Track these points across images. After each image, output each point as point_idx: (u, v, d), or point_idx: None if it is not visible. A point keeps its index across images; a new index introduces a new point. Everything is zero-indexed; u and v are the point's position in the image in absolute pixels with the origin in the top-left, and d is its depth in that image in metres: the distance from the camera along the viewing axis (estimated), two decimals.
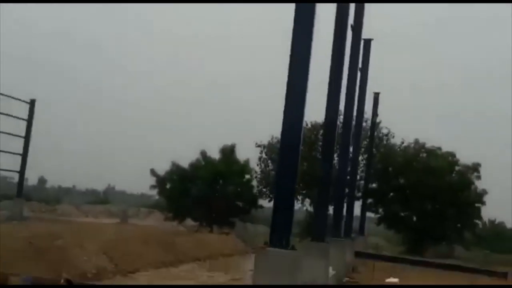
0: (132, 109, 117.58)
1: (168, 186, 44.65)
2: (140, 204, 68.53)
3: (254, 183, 45.38)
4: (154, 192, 46.97)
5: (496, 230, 65.80)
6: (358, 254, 26.91)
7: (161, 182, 44.48)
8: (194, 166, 44.29)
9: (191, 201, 43.30)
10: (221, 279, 16.58)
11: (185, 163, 44.74)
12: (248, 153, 46.02)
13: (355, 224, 35.79)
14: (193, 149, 47.16)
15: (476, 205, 43.09)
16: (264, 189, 44.43)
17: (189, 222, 46.30)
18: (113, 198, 78.73)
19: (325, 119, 18.32)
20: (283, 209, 10.64)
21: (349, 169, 25.86)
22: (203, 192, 42.64)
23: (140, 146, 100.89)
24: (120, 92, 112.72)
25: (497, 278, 26.89)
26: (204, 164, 44.28)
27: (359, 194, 39.45)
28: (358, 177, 36.62)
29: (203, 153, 44.93)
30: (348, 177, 26.51)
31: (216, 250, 27.57)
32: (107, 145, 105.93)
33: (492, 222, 66.83)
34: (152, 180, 44.54)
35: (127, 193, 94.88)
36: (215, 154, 45.26)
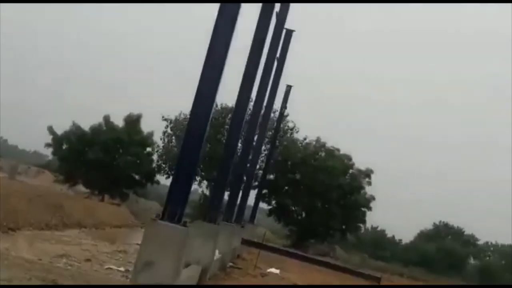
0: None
1: (64, 147, 43.11)
2: (32, 162, 65.72)
3: (155, 157, 44.82)
4: (48, 151, 45.22)
5: (377, 236, 69.43)
6: (245, 242, 27.36)
7: (57, 141, 42.86)
8: (95, 130, 43.02)
9: (86, 166, 42.07)
10: (105, 249, 16.25)
11: (87, 125, 43.40)
12: (155, 126, 45.28)
13: (247, 212, 36.39)
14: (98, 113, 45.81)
15: (363, 209, 45.12)
16: (163, 165, 43.97)
17: (81, 188, 45.01)
18: (4, 152, 74.86)
19: (236, 104, 18.38)
20: (182, 183, 10.55)
21: (250, 157, 26.13)
22: (100, 158, 41.53)
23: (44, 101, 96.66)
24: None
25: (370, 281, 28.25)
26: (105, 130, 43.13)
27: (256, 184, 40.06)
28: (257, 166, 37.17)
29: (106, 118, 43.72)
30: (248, 165, 26.83)
31: (105, 219, 27.03)
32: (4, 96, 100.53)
33: (374, 228, 70.42)
34: (49, 139, 42.89)
35: (19, 149, 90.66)
36: (120, 122, 44.27)
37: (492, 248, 75.38)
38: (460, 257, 67.40)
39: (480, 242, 75.72)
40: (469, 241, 74.87)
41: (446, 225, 76.31)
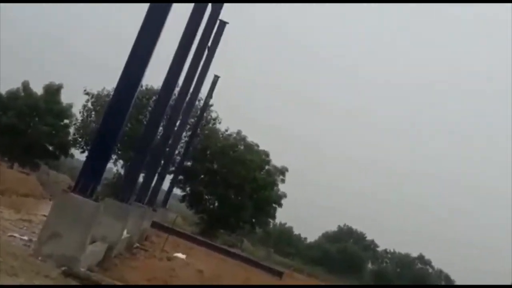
0: None
1: None
2: None
3: (72, 130, 43.71)
4: None
5: (284, 232, 71.11)
6: (155, 225, 27.37)
7: None
8: (12, 95, 41.45)
9: None
10: (9, 216, 15.81)
11: (3, 90, 41.74)
12: (74, 98, 44.12)
13: (160, 196, 36.32)
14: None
15: (274, 205, 46.09)
16: (80, 139, 42.96)
17: None
18: None
19: (162, 87, 18.40)
20: (98, 158, 10.55)
21: (170, 142, 26.14)
22: (13, 124, 40.06)
23: None
24: None
25: (272, 275, 29.04)
26: (23, 96, 41.64)
27: (173, 169, 40.00)
28: (176, 152, 37.13)
29: (25, 84, 42.24)
30: (167, 150, 26.85)
31: (12, 187, 26.11)
32: None
33: (283, 224, 72.09)
34: None
35: None
36: (39, 89, 42.83)
37: (389, 256, 79.09)
38: (359, 260, 70.30)
39: (380, 249, 79.35)
40: (369, 246, 78.27)
41: (349, 229, 79.34)
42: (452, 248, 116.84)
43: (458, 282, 72.39)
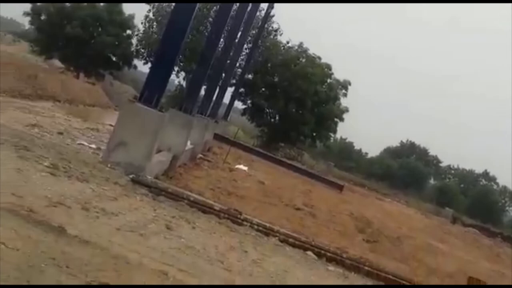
0: None
1: (42, 17, 41.89)
2: (8, 29, 63.81)
3: (134, 41, 43.99)
4: (26, 20, 43.92)
5: (345, 147, 70.98)
6: (217, 137, 27.77)
7: (36, 11, 41.58)
8: (75, 4, 41.77)
9: (63, 40, 41.18)
10: (77, 125, 16.27)
11: None
12: (136, 9, 44.12)
13: (222, 109, 36.59)
14: None
15: (336, 119, 45.72)
16: (142, 50, 43.27)
17: (56, 62, 44.24)
18: None
19: None
20: (162, 69, 10.53)
21: (231, 54, 25.91)
22: (78, 34, 40.62)
23: None
24: None
25: (333, 188, 29.27)
26: (86, 5, 41.89)
27: (234, 82, 39.96)
28: (237, 64, 36.91)
29: None
30: (228, 62, 26.66)
31: (79, 97, 26.86)
32: None
33: (344, 139, 71.84)
34: (27, 7, 41.58)
35: None
36: None
37: (453, 171, 78.04)
38: (422, 175, 69.78)
39: (443, 164, 78.32)
40: (432, 162, 77.33)
41: (412, 144, 78.29)
42: None
43: None
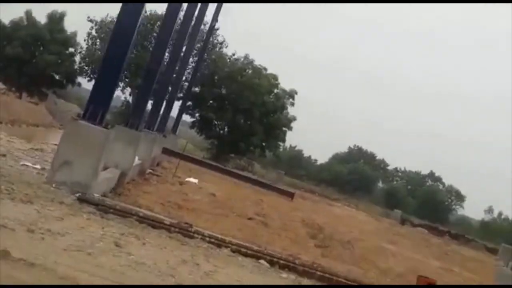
0: None
1: None
2: None
3: (77, 58, 43.30)
4: None
5: (294, 155, 71.68)
6: (165, 151, 27.56)
7: None
8: (15, 24, 40.83)
9: (4, 61, 40.18)
10: (20, 146, 15.90)
11: (7, 20, 41.10)
12: (78, 26, 43.42)
13: (170, 123, 36.39)
14: None
15: (284, 128, 46.18)
16: (86, 67, 42.62)
17: None
18: None
19: (166, 12, 17.92)
20: (106, 83, 10.43)
21: (177, 68, 25.84)
22: (19, 54, 39.70)
23: None
24: None
25: (284, 196, 29.47)
26: (26, 25, 41.02)
27: (181, 95, 39.82)
28: (184, 78, 36.82)
29: (28, 13, 41.50)
30: (174, 76, 26.58)
31: (22, 117, 26.25)
32: None
33: (293, 147, 72.55)
34: None
35: None
36: (42, 18, 42.13)
37: (400, 174, 79.85)
38: (370, 179, 71.12)
39: (390, 167, 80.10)
40: (379, 166, 78.97)
41: (359, 149, 79.81)
42: (462, 166, 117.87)
43: (468, 198, 73.45)
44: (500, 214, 66.97)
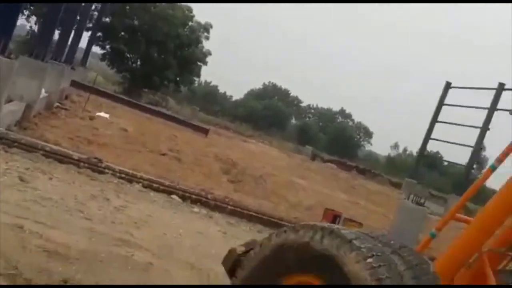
0: None
1: None
2: None
3: None
4: None
5: (209, 91, 71.28)
6: (75, 84, 26.50)
7: None
8: None
9: None
10: None
11: None
12: None
13: (79, 55, 34.86)
14: None
15: (199, 63, 45.52)
16: None
17: None
18: None
19: None
20: (8, 10, 9.72)
21: None
22: None
23: None
24: None
25: (199, 132, 29.38)
26: None
27: (90, 25, 38.04)
28: (93, 7, 35.12)
29: None
30: (83, 4, 25.30)
31: None
32: None
33: (208, 83, 72.05)
34: None
35: None
36: None
37: (312, 111, 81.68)
38: (284, 116, 72.25)
39: (303, 104, 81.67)
40: (293, 102, 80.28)
41: (274, 86, 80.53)
42: (371, 103, 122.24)
43: (376, 135, 76.64)
44: (405, 150, 70.59)
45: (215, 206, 10.01)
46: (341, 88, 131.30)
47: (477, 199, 3.39)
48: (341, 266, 2.66)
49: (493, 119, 28.58)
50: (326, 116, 77.83)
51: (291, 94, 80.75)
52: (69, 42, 23.79)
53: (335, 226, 2.92)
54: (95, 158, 9.89)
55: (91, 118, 18.23)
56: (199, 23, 44.93)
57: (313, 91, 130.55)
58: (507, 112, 27.04)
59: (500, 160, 3.00)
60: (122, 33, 42.95)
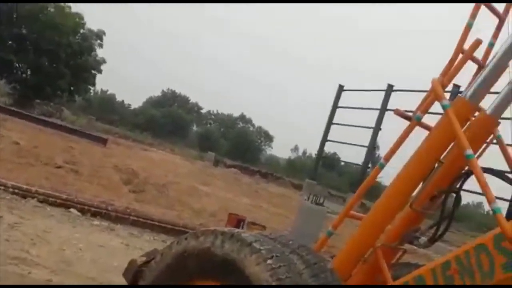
0: None
1: None
2: None
3: None
4: None
5: (106, 100, 69.59)
6: None
7: None
8: None
9: None
10: None
11: None
12: None
13: None
14: None
15: (93, 71, 44.28)
16: None
17: None
18: None
19: None
20: None
21: None
22: None
23: None
24: None
25: (97, 142, 28.53)
26: None
27: None
28: None
29: None
30: None
31: None
32: None
33: (104, 91, 70.31)
34: None
35: None
36: None
37: (213, 117, 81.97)
38: (185, 123, 71.98)
39: (203, 111, 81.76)
40: (193, 109, 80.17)
41: (173, 93, 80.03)
42: (269, 108, 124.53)
43: (276, 138, 78.23)
44: (304, 152, 72.57)
45: (116, 217, 9.78)
46: (239, 94, 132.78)
47: (374, 197, 3.55)
48: (242, 269, 2.69)
49: (386, 119, 30.07)
50: (227, 122, 78.42)
51: (191, 101, 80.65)
52: None
53: (236, 230, 2.95)
54: None
55: None
56: (91, 31, 43.73)
57: (211, 97, 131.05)
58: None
59: (386, 158, 3.16)
60: (10, 42, 40.91)
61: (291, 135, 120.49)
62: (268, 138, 77.80)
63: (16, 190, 9.25)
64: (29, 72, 42.45)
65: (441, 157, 3.13)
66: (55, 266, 5.97)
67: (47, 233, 7.41)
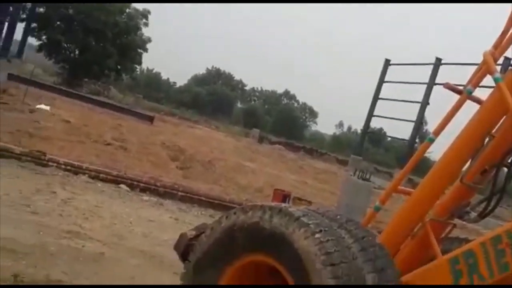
0: None
1: None
2: None
3: None
4: None
5: (152, 78, 70.35)
6: (11, 77, 25.68)
7: None
8: None
9: None
10: None
11: None
12: None
13: (14, 47, 33.73)
14: None
15: (139, 50, 44.78)
16: None
17: None
18: None
19: None
20: None
21: None
22: None
23: None
24: None
25: (143, 120, 28.99)
26: None
27: (24, 16, 36.78)
28: None
29: None
30: None
31: None
32: None
33: (150, 70, 71.05)
34: None
35: None
36: None
37: (257, 94, 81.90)
38: (229, 100, 72.20)
39: (247, 88, 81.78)
40: (237, 86, 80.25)
41: (218, 70, 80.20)
42: (314, 84, 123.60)
43: (321, 114, 77.74)
44: (349, 127, 71.88)
45: (165, 193, 9.98)
46: (284, 70, 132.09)
47: (423, 172, 3.52)
48: (291, 243, 2.73)
49: (433, 94, 29.43)
50: (271, 99, 78.22)
51: (235, 78, 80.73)
52: (3, 35, 22.99)
53: (283, 205, 2.98)
54: (38, 151, 9.67)
55: (31, 111, 17.74)
56: (136, 10, 44.14)
57: (256, 74, 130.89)
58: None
59: (436, 132, 3.12)
60: (58, 23, 41.71)
61: (336, 111, 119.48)
62: (313, 114, 77.36)
63: (68, 167, 9.54)
64: (77, 52, 43.25)
65: (493, 131, 3.07)
66: (107, 239, 6.16)
67: (99, 208, 7.63)
